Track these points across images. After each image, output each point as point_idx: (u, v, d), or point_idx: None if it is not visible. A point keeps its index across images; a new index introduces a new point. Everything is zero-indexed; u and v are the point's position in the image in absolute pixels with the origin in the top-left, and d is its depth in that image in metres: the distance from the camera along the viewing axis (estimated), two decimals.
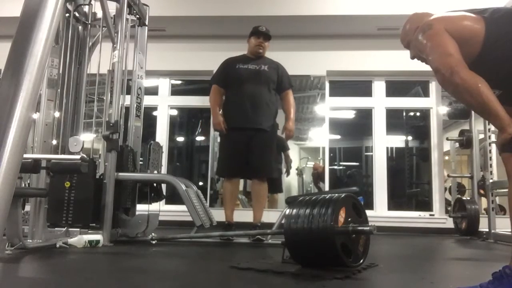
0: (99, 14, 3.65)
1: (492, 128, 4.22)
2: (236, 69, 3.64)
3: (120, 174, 3.30)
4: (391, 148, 6.39)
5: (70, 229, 3.06)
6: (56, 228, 3.09)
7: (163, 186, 3.80)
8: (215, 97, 3.69)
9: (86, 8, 3.70)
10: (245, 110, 3.54)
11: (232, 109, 3.63)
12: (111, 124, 3.28)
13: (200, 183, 6.09)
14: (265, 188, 3.61)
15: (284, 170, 6.20)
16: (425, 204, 5.89)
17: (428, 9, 1.75)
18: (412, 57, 1.74)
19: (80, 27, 3.71)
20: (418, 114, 6.50)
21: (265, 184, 3.59)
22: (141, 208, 3.58)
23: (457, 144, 5.37)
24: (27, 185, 3.30)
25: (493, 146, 4.34)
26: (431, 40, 1.52)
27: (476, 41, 1.48)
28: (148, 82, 4.38)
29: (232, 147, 3.58)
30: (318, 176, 6.71)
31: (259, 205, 3.58)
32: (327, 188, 5.68)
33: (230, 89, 3.70)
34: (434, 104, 5.67)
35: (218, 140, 4.03)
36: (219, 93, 3.72)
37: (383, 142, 5.70)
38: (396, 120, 6.53)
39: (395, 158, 6.71)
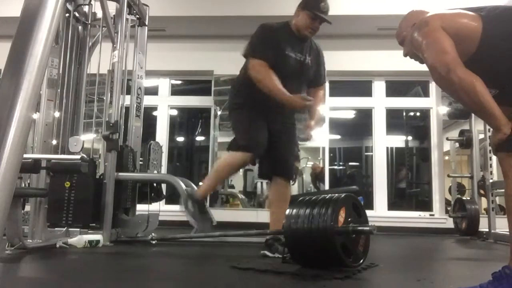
0: (99, 14, 3.65)
1: None
2: (286, 56, 2.71)
3: (120, 174, 3.30)
4: (391, 148, 6.39)
5: (70, 229, 3.06)
6: (56, 228, 3.09)
7: (163, 186, 3.80)
8: (273, 75, 2.58)
9: (86, 8, 3.70)
10: (279, 109, 2.69)
11: (267, 102, 2.65)
12: (111, 124, 3.28)
13: (200, 183, 6.07)
14: (289, 191, 2.88)
15: None
16: (425, 204, 5.89)
17: (427, 9, 1.74)
18: (405, 54, 1.72)
19: (80, 27, 3.71)
20: (418, 114, 6.51)
21: (289, 187, 2.89)
22: (141, 208, 3.58)
23: (457, 144, 5.37)
24: (27, 185, 3.30)
25: None
26: (427, 38, 1.50)
27: (473, 39, 1.47)
28: (148, 82, 4.39)
29: (262, 124, 2.73)
30: (316, 177, 6.73)
31: (282, 212, 2.42)
32: (327, 188, 5.68)
33: None
34: (434, 104, 5.67)
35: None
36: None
37: (383, 142, 5.71)
38: (396, 120, 6.53)
39: (395, 158, 6.71)
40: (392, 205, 5.72)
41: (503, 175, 1.53)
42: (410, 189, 6.75)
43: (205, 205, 2.75)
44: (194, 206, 2.67)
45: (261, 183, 6.55)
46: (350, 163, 7.86)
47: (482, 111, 1.41)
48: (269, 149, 2.71)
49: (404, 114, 6.65)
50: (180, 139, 7.24)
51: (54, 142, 3.25)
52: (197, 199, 2.79)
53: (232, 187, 6.88)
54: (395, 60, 5.42)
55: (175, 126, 6.55)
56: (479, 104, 1.39)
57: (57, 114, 3.32)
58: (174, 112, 6.29)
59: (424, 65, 1.70)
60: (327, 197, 2.07)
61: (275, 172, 2.79)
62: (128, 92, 3.81)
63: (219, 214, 3.77)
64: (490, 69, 1.46)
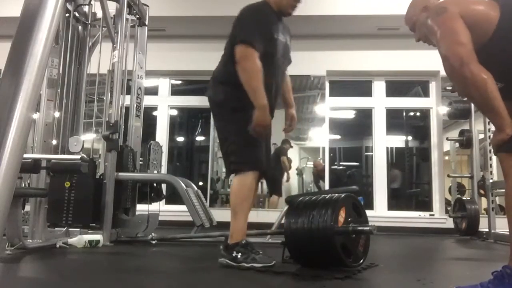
0: (99, 14, 3.65)
1: (492, 128, 4.20)
2: (275, 41, 2.40)
3: (120, 174, 3.30)
4: (391, 148, 6.39)
5: (70, 229, 3.06)
6: (56, 228, 3.09)
7: (163, 186, 3.80)
8: (260, 71, 2.24)
9: (86, 8, 3.71)
10: (270, 101, 2.34)
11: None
12: (111, 124, 3.28)
13: (200, 183, 6.10)
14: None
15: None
16: (425, 204, 5.89)
17: None
18: (418, 40, 1.68)
19: (80, 27, 3.71)
20: (418, 114, 6.51)
21: None
22: (141, 208, 3.58)
23: (457, 144, 5.37)
24: (27, 185, 3.30)
25: None
26: (443, 26, 1.46)
27: (487, 29, 1.42)
28: (148, 82, 4.39)
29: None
30: (318, 174, 6.73)
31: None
32: (327, 188, 5.68)
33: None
34: (434, 104, 5.67)
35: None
36: None
37: (383, 142, 5.71)
38: (396, 120, 6.54)
39: (395, 158, 6.72)
40: (391, 205, 5.73)
41: (504, 175, 1.51)
42: (404, 190, 6.74)
43: (249, 242, 2.20)
44: (241, 252, 2.12)
45: (261, 183, 6.58)
46: (350, 163, 7.87)
47: (489, 109, 1.40)
48: None
49: (404, 114, 6.65)
50: (180, 139, 7.24)
51: (54, 142, 3.25)
52: (237, 243, 2.18)
53: None
54: (395, 60, 5.47)
55: (175, 126, 6.55)
56: (487, 102, 1.38)
57: (57, 114, 3.32)
58: (174, 112, 6.29)
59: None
60: (327, 197, 2.07)
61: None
62: (128, 92, 3.81)
63: (219, 214, 3.76)
64: (498, 62, 1.43)
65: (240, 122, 2.30)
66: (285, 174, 6.61)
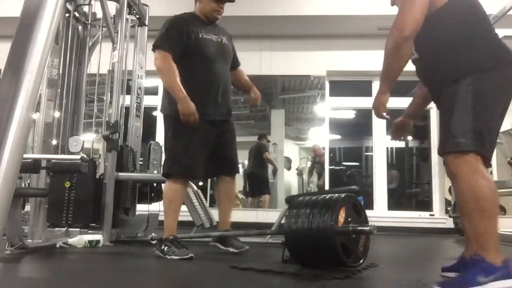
0: (99, 14, 3.66)
1: None
2: (200, 39, 2.63)
3: (120, 174, 3.30)
4: (391, 148, 6.39)
5: (70, 229, 3.06)
6: (56, 228, 3.09)
7: (163, 186, 3.80)
8: (175, 70, 2.50)
9: (86, 8, 3.71)
10: (216, 97, 2.63)
11: (200, 93, 2.56)
12: (111, 124, 3.28)
13: (200, 183, 6.09)
14: (235, 186, 2.98)
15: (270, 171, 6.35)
16: (425, 204, 5.89)
17: None
18: (392, 4, 1.92)
19: (80, 27, 3.72)
20: None
21: (235, 183, 2.92)
22: (141, 208, 3.58)
23: None
24: (27, 185, 3.30)
25: None
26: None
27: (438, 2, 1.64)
28: (148, 82, 4.39)
29: (202, 140, 2.58)
30: (314, 161, 6.63)
31: (231, 207, 2.90)
32: (327, 188, 5.69)
33: (192, 65, 2.60)
34: (434, 104, 5.67)
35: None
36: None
37: (383, 142, 5.71)
38: None
39: (395, 158, 6.72)
40: (391, 205, 5.73)
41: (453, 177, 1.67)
42: (404, 190, 6.74)
43: (175, 238, 2.54)
44: (167, 245, 2.49)
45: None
46: (350, 163, 7.88)
47: (391, 78, 1.87)
48: (213, 157, 2.63)
49: None
50: None
51: (54, 142, 3.25)
52: (165, 238, 2.53)
53: None
54: None
55: None
56: (395, 73, 1.80)
57: (57, 114, 3.32)
58: None
59: None
60: (327, 197, 2.07)
61: (224, 173, 2.77)
62: (128, 92, 3.81)
63: None
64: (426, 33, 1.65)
65: (173, 130, 2.59)
66: (273, 167, 6.59)
